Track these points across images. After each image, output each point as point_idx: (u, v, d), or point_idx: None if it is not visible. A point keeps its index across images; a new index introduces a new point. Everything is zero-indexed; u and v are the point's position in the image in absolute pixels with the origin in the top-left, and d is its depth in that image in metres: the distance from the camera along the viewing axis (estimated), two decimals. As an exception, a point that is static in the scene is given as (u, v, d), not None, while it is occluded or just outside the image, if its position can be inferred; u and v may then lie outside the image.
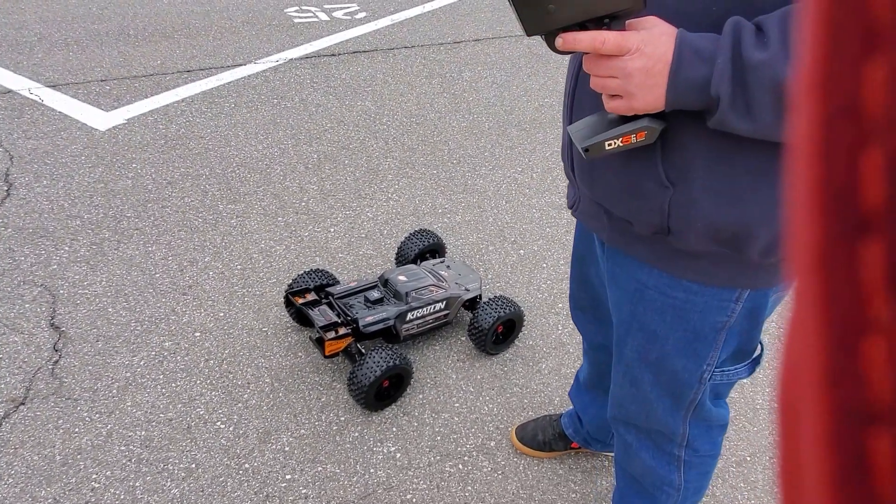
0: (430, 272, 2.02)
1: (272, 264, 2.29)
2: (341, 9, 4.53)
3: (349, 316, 1.85)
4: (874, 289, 0.12)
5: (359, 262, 2.34)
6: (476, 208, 2.67)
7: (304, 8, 4.47)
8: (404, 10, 4.61)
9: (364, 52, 3.92)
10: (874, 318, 0.12)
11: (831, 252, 0.13)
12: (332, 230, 2.48)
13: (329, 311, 1.86)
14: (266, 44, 3.89)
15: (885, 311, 0.12)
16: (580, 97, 1.00)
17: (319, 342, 1.82)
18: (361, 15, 4.45)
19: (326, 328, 1.78)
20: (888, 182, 0.12)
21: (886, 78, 0.12)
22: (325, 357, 1.80)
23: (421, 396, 1.87)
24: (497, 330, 1.96)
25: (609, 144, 0.86)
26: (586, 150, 0.87)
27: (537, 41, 4.25)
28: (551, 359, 2.03)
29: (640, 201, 0.94)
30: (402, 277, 1.95)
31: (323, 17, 4.37)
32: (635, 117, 0.84)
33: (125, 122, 3.02)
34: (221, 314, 2.07)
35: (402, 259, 2.19)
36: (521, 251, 2.46)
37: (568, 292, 1.50)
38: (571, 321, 2.17)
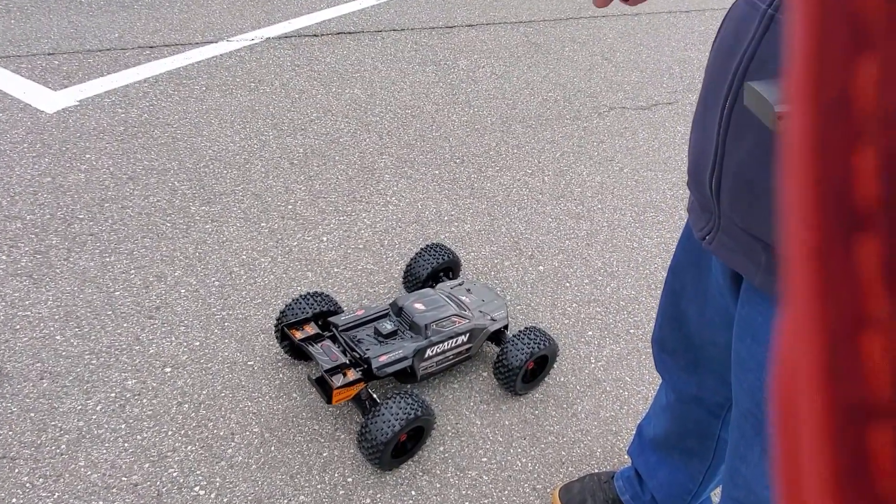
0: (449, 298, 1.72)
1: (256, 280, 1.95)
2: (321, -15, 4.14)
3: (358, 354, 1.54)
4: (871, 285, 0.12)
5: (357, 278, 2.02)
6: (486, 216, 2.37)
7: (279, -18, 4.06)
8: (389, -11, 4.25)
9: (349, 33, 3.56)
10: (871, 314, 0.12)
11: (827, 249, 0.13)
12: (325, 239, 2.14)
13: (333, 348, 1.54)
14: (239, 20, 3.49)
15: (882, 307, 0.12)
16: (765, 57, 0.71)
17: (321, 383, 1.50)
18: (343, -8, 4.06)
19: (333, 371, 1.47)
20: (881, 179, 0.12)
21: (877, 74, 0.12)
22: (330, 405, 1.48)
23: (441, 449, 1.57)
24: (528, 367, 1.67)
25: None
26: (780, 117, 0.57)
27: (534, 28, 3.96)
28: (587, 399, 1.75)
29: None
30: (419, 305, 1.65)
31: (301, -8, 3.97)
32: None
33: (77, 103, 2.61)
34: (197, 343, 1.73)
35: (412, 279, 1.88)
36: (541, 267, 2.17)
37: (652, 331, 1.23)
38: (604, 352, 1.90)
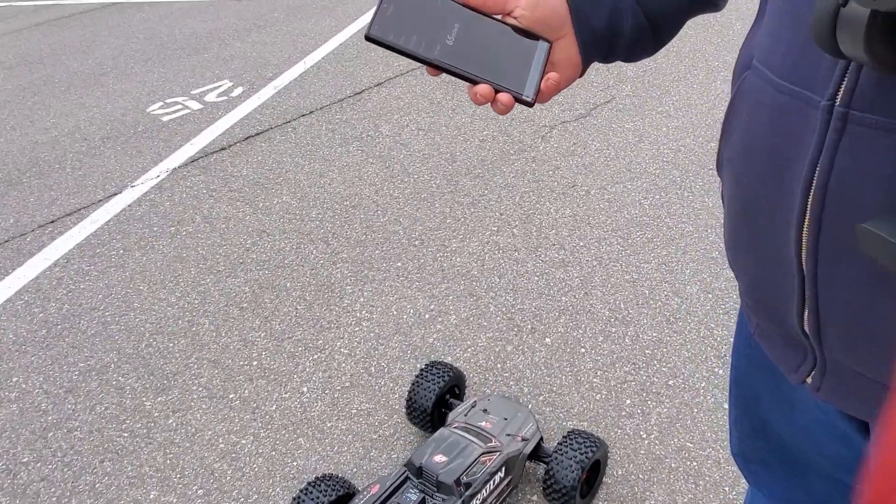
0: (468, 432, 1.47)
1: (244, 471, 1.67)
2: (213, 89, 3.89)
3: (391, 548, 1.27)
4: None
5: (356, 426, 1.75)
6: (468, 298, 2.13)
7: (169, 101, 3.79)
8: (284, 71, 4.02)
9: (258, 134, 3.31)
10: None
11: None
12: (306, 389, 1.88)
13: (361, 552, 1.27)
14: (138, 158, 3.21)
15: None
16: (850, 170, 0.50)
17: None
18: (238, 91, 3.82)
19: (369, 588, 1.20)
20: None
21: None
22: None
23: None
24: (581, 479, 1.43)
25: None
26: None
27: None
28: (657, 487, 1.52)
29: None
30: (439, 458, 1.39)
31: (195, 105, 3.71)
32: None
33: (-15, 319, 2.29)
34: (199, 583, 1.44)
35: (416, 413, 1.62)
36: (547, 339, 1.94)
37: (730, 435, 1.00)
38: (652, 420, 1.68)
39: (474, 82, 0.62)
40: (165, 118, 3.61)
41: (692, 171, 2.65)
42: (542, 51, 0.65)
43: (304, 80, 3.87)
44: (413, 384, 1.64)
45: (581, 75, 0.68)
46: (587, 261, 2.21)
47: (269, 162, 3.04)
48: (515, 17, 0.65)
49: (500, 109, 0.62)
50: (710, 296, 2.03)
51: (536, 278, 2.17)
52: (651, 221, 2.36)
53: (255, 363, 1.98)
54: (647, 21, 0.65)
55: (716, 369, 1.79)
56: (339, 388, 1.87)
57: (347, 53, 4.18)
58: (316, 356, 1.98)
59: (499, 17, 0.66)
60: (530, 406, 1.74)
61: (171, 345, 2.08)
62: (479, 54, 0.63)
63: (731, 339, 1.84)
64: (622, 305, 2.03)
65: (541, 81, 0.64)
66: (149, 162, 3.17)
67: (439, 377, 1.63)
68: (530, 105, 0.64)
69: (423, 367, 1.67)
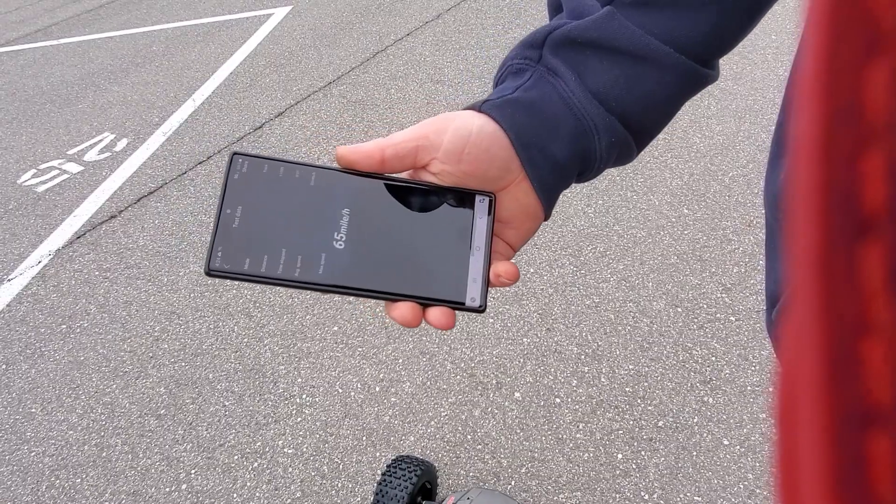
0: (452, 550, 1.23)
1: None
2: (93, 146, 3.46)
3: None
4: (874, 291, 0.12)
5: (317, 547, 1.48)
6: (420, 358, 1.88)
7: (42, 167, 3.34)
8: (172, 113, 3.63)
9: (151, 193, 2.93)
10: (873, 320, 0.12)
11: (831, 254, 0.13)
12: (250, 510, 1.59)
13: None
14: (12, 244, 2.78)
15: (885, 313, 0.12)
16: None
17: None
18: (122, 144, 3.41)
19: None
20: (889, 184, 0.12)
21: (888, 81, 0.12)
22: None
23: None
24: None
25: None
26: None
27: (347, 83, 3.48)
28: (673, 562, 1.32)
29: None
30: None
31: (74, 168, 3.28)
32: None
33: None
34: None
35: (386, 527, 1.37)
36: (517, 394, 1.72)
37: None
38: (649, 474, 1.48)
39: (390, 299, 0.39)
40: (41, 188, 3.16)
41: (629, 166, 2.49)
42: (483, 214, 0.42)
43: (196, 121, 3.50)
44: (376, 493, 1.38)
45: (546, 219, 0.47)
46: (542, 289, 2.00)
47: (169, 225, 2.69)
48: (434, 174, 0.42)
49: (438, 327, 0.41)
50: (679, 310, 1.86)
51: (491, 320, 1.94)
52: (599, 232, 2.17)
53: (184, 487, 1.67)
54: (626, 131, 0.44)
55: (704, 398, 1.62)
56: (289, 501, 1.59)
57: (239, 82, 3.82)
58: (256, 464, 1.69)
59: (404, 175, 0.43)
60: (513, 483, 1.52)
61: (79, 481, 1.74)
62: (387, 252, 0.39)
63: (713, 359, 1.62)
64: (589, 337, 1.83)
65: (489, 271, 0.42)
66: (26, 246, 2.74)
67: (405, 479, 1.38)
68: (481, 312, 0.42)
69: (385, 468, 1.42)
